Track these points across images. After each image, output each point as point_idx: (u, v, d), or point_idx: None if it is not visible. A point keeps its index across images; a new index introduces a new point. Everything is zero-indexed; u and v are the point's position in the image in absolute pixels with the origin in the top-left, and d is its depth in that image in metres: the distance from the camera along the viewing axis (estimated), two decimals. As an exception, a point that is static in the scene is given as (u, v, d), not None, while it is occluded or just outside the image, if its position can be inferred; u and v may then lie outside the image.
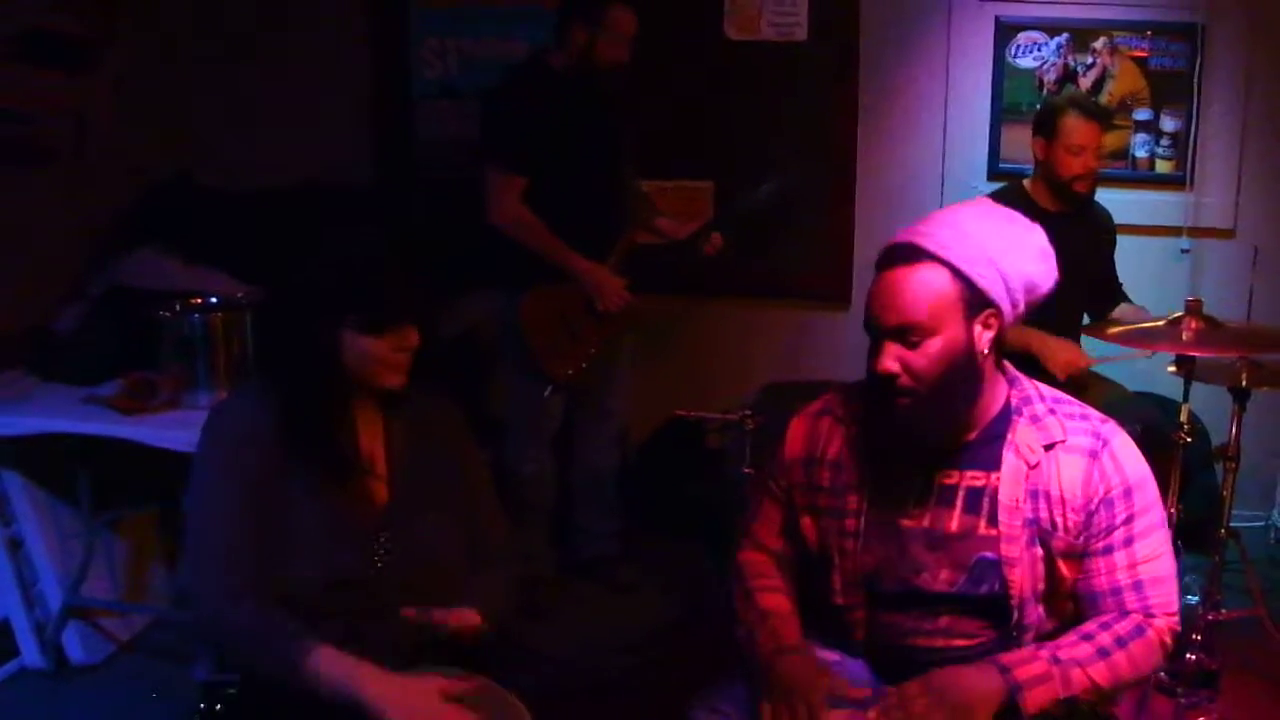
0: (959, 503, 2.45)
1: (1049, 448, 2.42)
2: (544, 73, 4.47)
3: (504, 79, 4.61)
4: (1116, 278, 4.70)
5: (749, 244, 4.98)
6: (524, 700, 2.40)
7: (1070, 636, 2.37)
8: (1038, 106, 5.19)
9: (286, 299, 2.54)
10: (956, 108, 5.43)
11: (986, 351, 2.40)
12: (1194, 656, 3.84)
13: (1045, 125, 4.40)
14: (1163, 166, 5.29)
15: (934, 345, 2.33)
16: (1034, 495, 2.41)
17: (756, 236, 5.15)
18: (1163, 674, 3.77)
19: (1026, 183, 4.53)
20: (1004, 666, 2.29)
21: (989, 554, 2.41)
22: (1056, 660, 2.30)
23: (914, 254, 2.35)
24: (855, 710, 2.34)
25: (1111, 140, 5.11)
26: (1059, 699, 2.27)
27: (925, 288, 2.33)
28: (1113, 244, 4.70)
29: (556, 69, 4.46)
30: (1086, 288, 4.44)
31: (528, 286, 4.48)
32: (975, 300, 2.35)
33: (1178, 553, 3.73)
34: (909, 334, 2.33)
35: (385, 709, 2.26)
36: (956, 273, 2.33)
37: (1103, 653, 2.32)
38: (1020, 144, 5.23)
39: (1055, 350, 4.25)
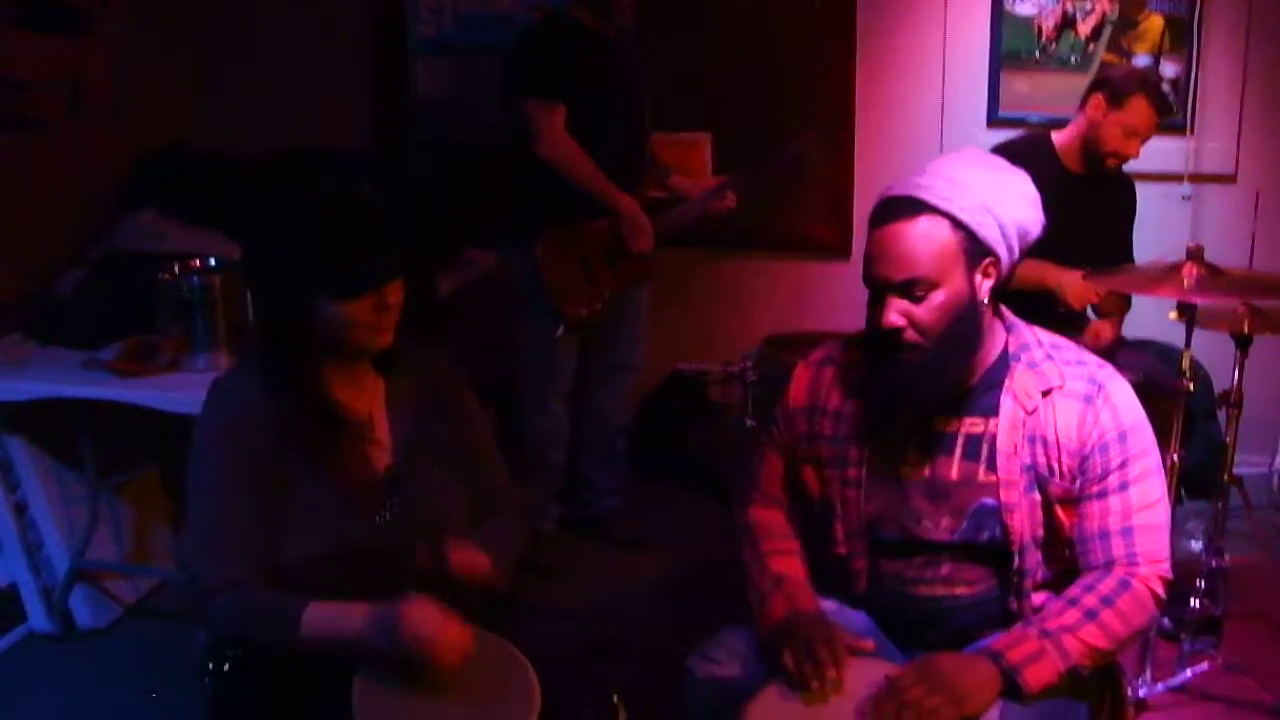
0: (958, 450, 2.46)
1: (1046, 394, 2.42)
2: (568, 22, 4.48)
3: (529, 27, 4.65)
4: (1130, 252, 4.67)
5: (751, 199, 4.96)
6: (527, 655, 2.40)
7: (1056, 605, 2.37)
8: (1035, 54, 5.19)
9: (256, 270, 2.52)
10: (955, 56, 5.39)
11: (987, 300, 2.41)
12: (1197, 603, 3.84)
13: (1115, 93, 4.36)
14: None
15: (938, 297, 2.33)
16: (1031, 441, 2.41)
17: (767, 192, 5.13)
18: (1166, 620, 3.79)
19: (1056, 137, 4.50)
20: (995, 653, 2.28)
21: (989, 500, 2.42)
22: (1046, 634, 2.29)
23: (913, 206, 2.34)
24: (867, 659, 2.35)
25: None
26: (1062, 673, 2.27)
27: (927, 240, 2.32)
28: (1131, 216, 4.68)
29: (581, 21, 4.46)
30: (1097, 255, 4.40)
31: (545, 232, 4.47)
32: (976, 250, 2.35)
33: (1179, 500, 3.75)
34: (913, 288, 2.33)
35: (383, 634, 2.29)
36: (957, 223, 2.33)
37: (1090, 614, 2.32)
38: (1019, 92, 5.22)
39: (1069, 282, 4.24)
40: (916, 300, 2.34)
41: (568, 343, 4.62)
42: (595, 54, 4.45)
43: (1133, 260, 4.63)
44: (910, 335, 2.35)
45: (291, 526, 2.43)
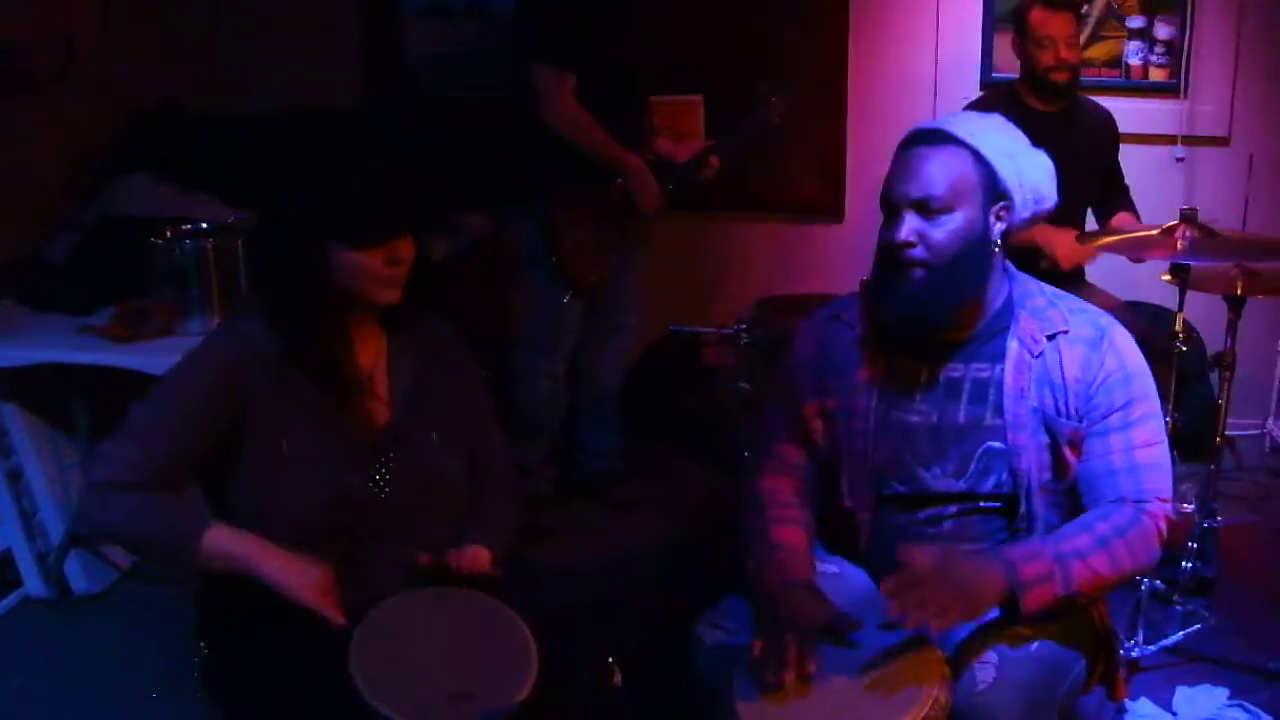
0: (965, 395, 2.50)
1: (1052, 338, 2.48)
2: None
3: None
4: (1118, 180, 4.69)
5: (742, 160, 4.94)
6: (523, 617, 2.41)
7: (1070, 527, 2.43)
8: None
9: (272, 219, 2.53)
10: (948, 17, 5.37)
11: (998, 244, 2.46)
12: (1190, 564, 3.86)
13: (1018, 22, 4.47)
14: (1156, 74, 5.23)
15: (951, 221, 2.40)
16: (1039, 384, 2.46)
17: (751, 155, 5.11)
18: (1159, 582, 3.80)
19: (1018, 84, 4.55)
20: (1010, 562, 2.33)
21: (996, 443, 2.47)
22: (1059, 555, 2.34)
23: (941, 137, 2.43)
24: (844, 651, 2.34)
25: (1105, 48, 5.09)
26: (1058, 597, 2.32)
27: (949, 167, 2.40)
28: (1112, 146, 4.69)
29: None
30: (1083, 190, 4.42)
31: (556, 197, 4.46)
32: (994, 189, 2.43)
33: (1172, 460, 3.76)
34: (928, 204, 2.39)
35: (279, 580, 2.34)
36: (980, 159, 2.41)
37: (1102, 542, 2.37)
38: (1013, 55, 5.20)
39: (1059, 241, 4.25)
40: (931, 219, 2.40)
41: (575, 307, 4.62)
42: (597, 12, 4.40)
43: (1123, 191, 4.67)
44: (920, 252, 2.41)
45: (287, 475, 2.45)
